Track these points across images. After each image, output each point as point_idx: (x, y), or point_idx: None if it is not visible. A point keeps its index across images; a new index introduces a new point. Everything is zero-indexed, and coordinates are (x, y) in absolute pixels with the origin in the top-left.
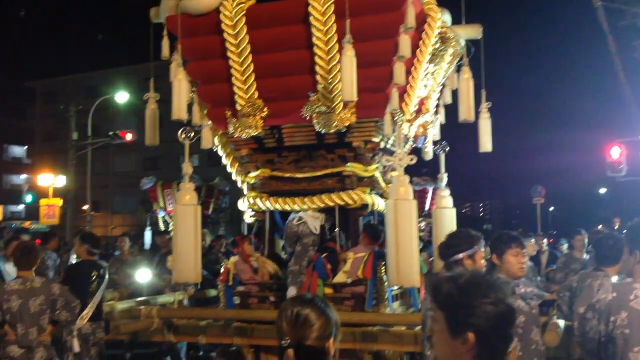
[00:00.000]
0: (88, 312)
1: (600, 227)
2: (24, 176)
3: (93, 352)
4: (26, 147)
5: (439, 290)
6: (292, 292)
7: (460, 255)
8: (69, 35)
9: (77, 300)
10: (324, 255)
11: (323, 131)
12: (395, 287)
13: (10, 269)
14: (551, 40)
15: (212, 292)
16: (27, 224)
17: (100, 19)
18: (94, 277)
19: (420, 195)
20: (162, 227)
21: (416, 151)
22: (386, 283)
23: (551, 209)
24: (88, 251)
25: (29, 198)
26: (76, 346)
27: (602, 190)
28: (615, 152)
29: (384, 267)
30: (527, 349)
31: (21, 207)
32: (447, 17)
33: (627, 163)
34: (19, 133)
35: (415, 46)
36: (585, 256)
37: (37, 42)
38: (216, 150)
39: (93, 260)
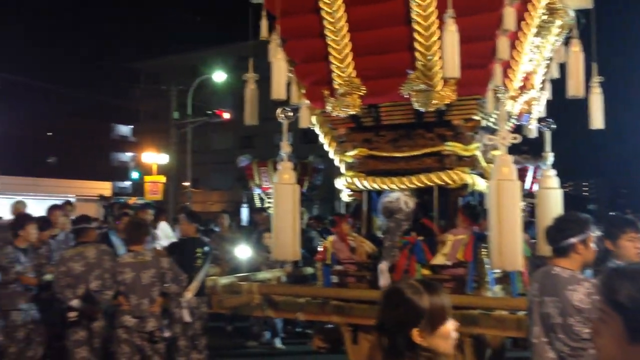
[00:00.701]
0: (194, 286)
1: None
2: (129, 154)
3: (198, 325)
4: (132, 126)
5: (617, 291)
6: (383, 266)
7: (573, 240)
8: (170, 17)
9: (184, 274)
10: (422, 238)
11: (422, 109)
12: (497, 271)
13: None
14: None
15: (309, 270)
16: (133, 199)
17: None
18: (199, 254)
19: (520, 174)
20: (257, 204)
21: (519, 129)
22: (487, 266)
23: None
24: (197, 229)
25: (135, 175)
26: (186, 316)
27: None
28: None
29: (485, 250)
30: None
31: (128, 183)
32: None
33: None
34: (125, 112)
35: (520, 18)
36: None
37: (141, 24)
38: (311, 129)
39: (198, 237)
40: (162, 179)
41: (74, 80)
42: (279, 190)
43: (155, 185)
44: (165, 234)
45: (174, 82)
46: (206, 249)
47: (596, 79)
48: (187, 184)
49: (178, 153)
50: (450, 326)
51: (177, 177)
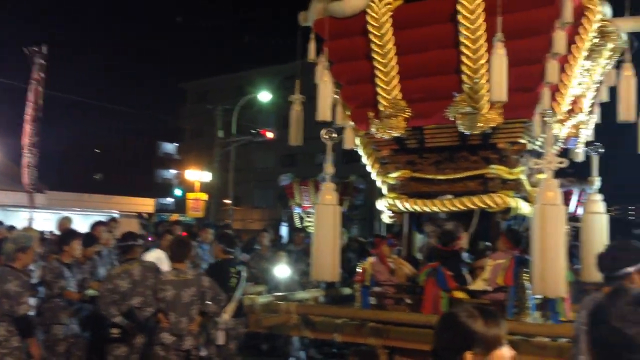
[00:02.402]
0: (231, 307)
1: None
2: (173, 171)
3: (232, 346)
4: (177, 144)
5: None
6: None
7: (630, 269)
8: (217, 39)
9: (224, 294)
10: (444, 264)
11: (467, 132)
12: (538, 296)
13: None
14: None
15: (347, 291)
16: (175, 216)
17: (246, 22)
18: (233, 275)
19: (564, 198)
20: (297, 223)
21: (565, 152)
22: (528, 291)
23: None
24: (224, 251)
25: (178, 192)
26: (221, 339)
27: None
28: None
29: (526, 274)
30: None
31: (170, 200)
32: (607, 10)
33: None
34: (171, 131)
35: (571, 42)
36: None
37: (190, 45)
38: (352, 149)
39: (230, 258)
40: (204, 196)
41: (122, 98)
42: (321, 211)
43: (197, 203)
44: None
45: (219, 102)
46: (239, 268)
47: None
48: (228, 201)
49: (221, 171)
50: (505, 353)
51: (219, 194)
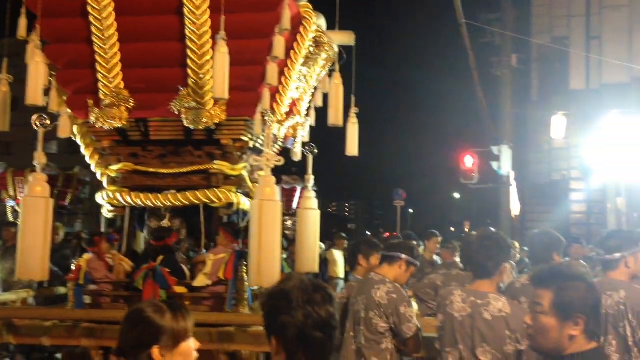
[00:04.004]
0: None
1: (452, 229)
2: None
3: None
4: None
5: None
6: None
7: (402, 256)
8: None
9: None
10: (161, 262)
11: (191, 127)
12: (256, 287)
13: None
14: (417, 57)
15: (62, 290)
16: None
17: None
18: None
19: (288, 194)
20: (10, 217)
21: (285, 151)
22: (247, 283)
23: (411, 211)
24: None
25: None
26: None
27: (456, 196)
28: (468, 161)
29: (245, 267)
30: None
31: None
32: (322, 22)
33: (478, 172)
34: None
35: (289, 48)
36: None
37: None
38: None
39: None
40: None
41: None
42: (29, 204)
43: None
44: None
45: None
46: None
47: (353, 110)
48: None
49: None
50: (191, 344)
51: None
